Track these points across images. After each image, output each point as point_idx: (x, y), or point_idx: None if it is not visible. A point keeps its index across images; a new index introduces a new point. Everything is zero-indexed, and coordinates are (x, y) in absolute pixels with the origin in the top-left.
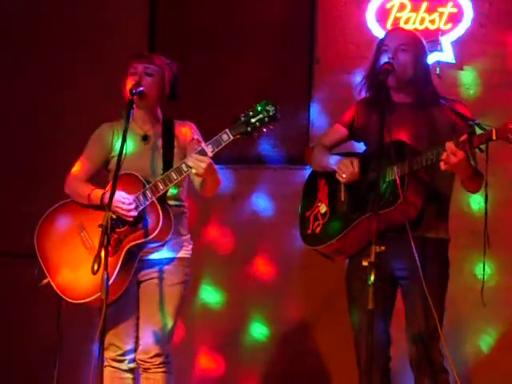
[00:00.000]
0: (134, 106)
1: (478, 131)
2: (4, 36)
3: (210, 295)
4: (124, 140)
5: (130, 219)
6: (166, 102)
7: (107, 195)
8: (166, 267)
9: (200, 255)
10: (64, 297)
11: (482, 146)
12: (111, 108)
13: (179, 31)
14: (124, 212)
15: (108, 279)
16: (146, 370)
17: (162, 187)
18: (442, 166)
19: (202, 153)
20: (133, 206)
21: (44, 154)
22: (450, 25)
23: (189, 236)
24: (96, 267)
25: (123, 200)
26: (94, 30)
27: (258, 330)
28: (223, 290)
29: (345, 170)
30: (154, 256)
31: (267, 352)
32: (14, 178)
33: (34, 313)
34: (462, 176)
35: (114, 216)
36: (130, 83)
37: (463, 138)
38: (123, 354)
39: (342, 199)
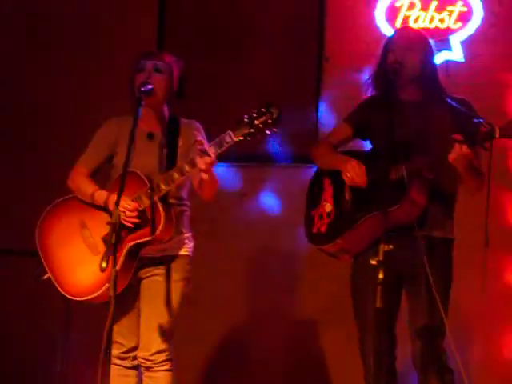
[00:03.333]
0: (143, 103)
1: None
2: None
3: (217, 291)
4: (132, 139)
5: (131, 226)
6: (173, 99)
7: (111, 199)
8: (167, 265)
9: (209, 252)
10: (65, 294)
11: (487, 145)
12: (119, 106)
13: (188, 29)
14: (126, 218)
15: (116, 277)
16: (147, 368)
17: (164, 187)
18: (448, 157)
19: (206, 153)
20: (135, 214)
21: (51, 152)
22: (459, 24)
23: (190, 234)
24: (104, 264)
25: (127, 206)
26: (102, 29)
27: (265, 327)
28: (230, 286)
29: (350, 169)
30: (156, 254)
31: (273, 349)
32: (13, 175)
33: (38, 311)
34: (464, 172)
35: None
36: (138, 80)
37: (466, 136)
38: (127, 352)
39: (347, 198)
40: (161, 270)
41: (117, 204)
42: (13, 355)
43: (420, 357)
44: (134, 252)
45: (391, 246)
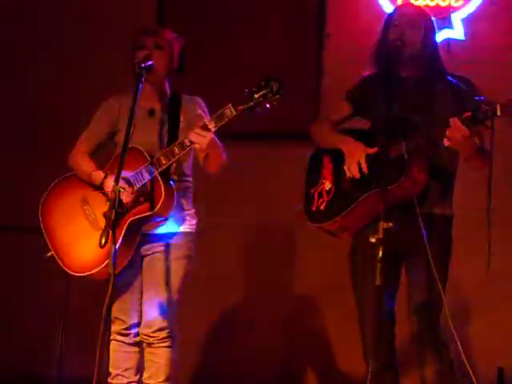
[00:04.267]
0: (143, 79)
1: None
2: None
3: (217, 267)
4: (132, 116)
5: (129, 201)
6: (174, 75)
7: (106, 181)
8: (169, 241)
9: (208, 229)
10: (67, 270)
11: (488, 123)
12: (120, 81)
13: (188, 7)
14: (124, 196)
15: (115, 253)
16: (149, 344)
17: (164, 162)
18: (446, 142)
19: (205, 127)
20: (130, 197)
21: (50, 133)
22: (460, 2)
23: (193, 211)
24: (104, 241)
25: (125, 187)
26: (102, 8)
27: (264, 304)
28: (230, 263)
29: (351, 162)
30: (158, 230)
31: (273, 325)
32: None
33: (38, 287)
34: (465, 153)
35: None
36: (138, 57)
37: (468, 114)
38: (128, 328)
39: (347, 176)
40: (163, 247)
41: (116, 181)
42: (13, 333)
43: (417, 332)
44: (136, 228)
45: (390, 224)
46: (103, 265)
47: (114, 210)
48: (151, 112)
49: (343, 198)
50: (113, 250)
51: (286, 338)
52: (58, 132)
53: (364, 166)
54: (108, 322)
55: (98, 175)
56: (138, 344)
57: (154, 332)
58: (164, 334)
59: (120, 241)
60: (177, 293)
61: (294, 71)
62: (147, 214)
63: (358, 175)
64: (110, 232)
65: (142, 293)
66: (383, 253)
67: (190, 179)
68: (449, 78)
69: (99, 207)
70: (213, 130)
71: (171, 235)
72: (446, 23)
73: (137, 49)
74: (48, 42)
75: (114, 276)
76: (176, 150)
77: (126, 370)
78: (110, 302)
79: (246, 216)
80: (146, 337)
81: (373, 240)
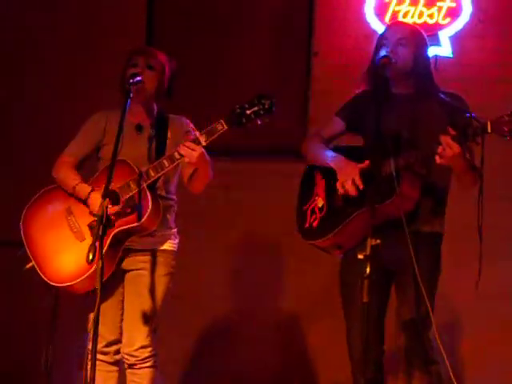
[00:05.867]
0: (132, 96)
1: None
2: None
3: (203, 284)
4: (120, 129)
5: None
6: (161, 98)
7: (92, 197)
8: (152, 258)
9: (195, 245)
10: (47, 280)
11: (478, 139)
12: (108, 94)
13: (177, 20)
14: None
15: (103, 269)
16: (131, 366)
17: (153, 174)
18: (437, 159)
19: (196, 141)
20: (116, 208)
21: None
22: (448, 19)
23: (176, 230)
24: (91, 256)
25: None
26: (91, 21)
27: (251, 321)
28: (217, 279)
29: (345, 180)
30: (141, 246)
31: (260, 342)
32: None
33: (22, 302)
34: (457, 169)
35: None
36: (128, 74)
37: (458, 130)
38: (107, 345)
39: (339, 193)
40: (146, 264)
41: (104, 196)
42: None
43: (405, 349)
44: (119, 241)
45: (378, 241)
46: (84, 276)
47: (101, 225)
48: (139, 127)
49: (335, 215)
50: (100, 265)
51: (273, 354)
52: (42, 144)
53: (359, 182)
54: (95, 338)
55: (84, 189)
56: (117, 363)
57: (135, 350)
58: (146, 352)
59: (103, 252)
60: (158, 309)
61: (282, 87)
62: (133, 225)
63: (355, 193)
64: (98, 247)
65: (123, 309)
66: (371, 269)
67: (175, 198)
68: (441, 95)
69: (83, 218)
70: (204, 144)
71: (154, 252)
72: (434, 41)
73: (129, 67)
74: (37, 55)
75: (91, 289)
76: (165, 163)
77: None
78: (96, 316)
79: (231, 232)
80: (127, 356)
81: (360, 256)
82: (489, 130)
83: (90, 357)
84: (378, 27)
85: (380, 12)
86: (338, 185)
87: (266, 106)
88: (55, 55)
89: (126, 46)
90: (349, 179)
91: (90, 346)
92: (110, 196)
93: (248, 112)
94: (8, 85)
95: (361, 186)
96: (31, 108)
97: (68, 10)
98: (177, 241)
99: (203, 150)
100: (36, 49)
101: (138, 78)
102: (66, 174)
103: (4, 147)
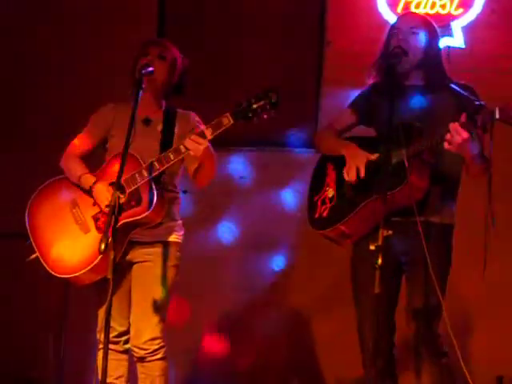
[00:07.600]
0: (143, 86)
1: None
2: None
3: (211, 277)
4: (132, 121)
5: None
6: (171, 92)
7: (97, 187)
8: (157, 250)
9: (204, 237)
10: (51, 271)
11: (487, 127)
12: (120, 81)
13: (189, 15)
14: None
15: (115, 259)
16: (140, 359)
17: (158, 166)
18: (446, 145)
19: (201, 135)
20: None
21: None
22: (460, 10)
23: (181, 222)
24: (103, 246)
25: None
26: (103, 15)
27: (260, 315)
28: (228, 273)
29: (350, 166)
30: (146, 239)
31: (269, 337)
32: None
33: (34, 296)
34: (467, 157)
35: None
36: (140, 63)
37: (466, 117)
38: (118, 335)
39: (346, 181)
40: (152, 256)
41: (116, 187)
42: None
43: (415, 339)
44: (125, 232)
45: (390, 232)
46: (88, 268)
47: (113, 216)
48: (146, 121)
49: (345, 204)
50: (112, 256)
51: (283, 348)
52: (54, 133)
53: (362, 170)
54: (107, 327)
55: (88, 179)
56: (127, 352)
57: (144, 343)
58: (155, 345)
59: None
60: (165, 301)
61: (294, 78)
62: (138, 217)
63: (354, 179)
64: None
65: (130, 300)
66: (383, 260)
67: (179, 191)
68: (452, 85)
69: (89, 210)
70: (209, 137)
71: (160, 244)
72: (446, 31)
73: (140, 56)
74: (48, 48)
75: (103, 282)
76: (171, 156)
77: (117, 378)
78: (109, 306)
79: (240, 224)
80: (136, 349)
81: (372, 247)
82: (497, 116)
83: (100, 346)
84: (390, 17)
85: (392, 2)
86: (344, 171)
87: (273, 100)
88: (68, 43)
89: (139, 34)
90: (353, 166)
91: (98, 336)
92: (116, 188)
93: (254, 106)
94: (20, 73)
95: (362, 175)
96: (43, 96)
97: None
98: (182, 232)
99: (209, 143)
100: (49, 37)
101: (150, 69)
102: (73, 165)
103: (16, 136)
